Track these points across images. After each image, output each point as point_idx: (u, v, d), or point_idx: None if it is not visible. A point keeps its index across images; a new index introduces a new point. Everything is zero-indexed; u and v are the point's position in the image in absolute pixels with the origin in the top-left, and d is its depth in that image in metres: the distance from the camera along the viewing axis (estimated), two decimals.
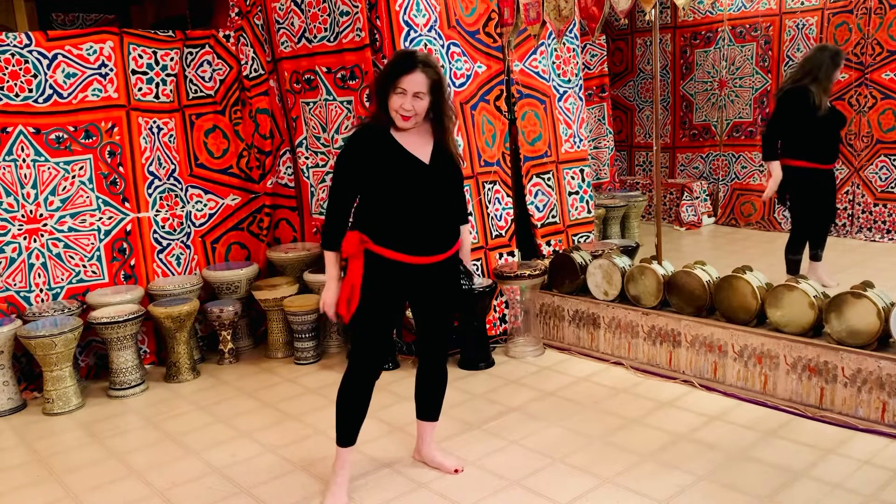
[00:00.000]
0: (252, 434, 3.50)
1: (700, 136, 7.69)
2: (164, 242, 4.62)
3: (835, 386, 3.28)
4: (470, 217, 4.41)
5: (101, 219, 4.38)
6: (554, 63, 5.02)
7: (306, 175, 4.78)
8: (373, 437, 3.35)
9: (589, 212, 5.20)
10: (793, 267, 4.58)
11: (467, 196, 4.36)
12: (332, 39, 4.34)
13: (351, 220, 2.72)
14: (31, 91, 4.13)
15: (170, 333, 4.22)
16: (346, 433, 2.76)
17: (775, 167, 4.48)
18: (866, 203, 6.38)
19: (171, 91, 4.60)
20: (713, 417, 3.38)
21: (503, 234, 4.58)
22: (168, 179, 4.62)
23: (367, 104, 4.24)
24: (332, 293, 2.69)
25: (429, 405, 2.98)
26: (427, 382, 2.95)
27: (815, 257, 4.69)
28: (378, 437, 3.36)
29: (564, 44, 5.06)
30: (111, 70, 4.34)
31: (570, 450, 3.13)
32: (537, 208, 4.86)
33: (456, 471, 2.98)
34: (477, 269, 4.41)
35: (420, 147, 2.64)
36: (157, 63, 4.52)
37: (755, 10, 7.02)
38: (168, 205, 4.62)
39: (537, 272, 4.29)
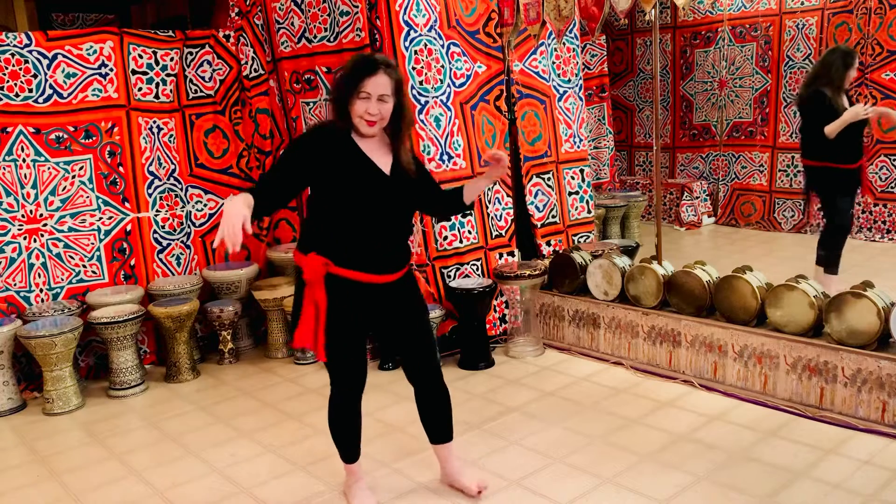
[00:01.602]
0: (252, 434, 3.50)
1: (700, 136, 7.69)
2: (164, 242, 4.62)
3: (835, 386, 3.28)
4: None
5: (101, 219, 4.38)
6: (554, 63, 5.02)
7: None
8: (372, 437, 3.35)
9: (589, 212, 5.20)
10: (832, 263, 4.51)
11: None
12: (332, 39, 4.34)
13: (307, 241, 2.53)
14: (31, 91, 4.13)
15: (170, 333, 4.22)
16: (347, 451, 2.74)
17: (834, 124, 4.24)
18: (866, 203, 6.38)
19: (171, 91, 4.60)
20: (713, 417, 3.38)
21: (503, 234, 4.58)
22: (168, 179, 4.62)
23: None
24: (235, 212, 2.13)
25: (436, 427, 2.78)
26: (427, 405, 2.76)
27: (831, 268, 4.57)
28: (377, 436, 3.36)
29: (564, 44, 5.06)
30: (111, 70, 4.34)
31: (570, 450, 3.13)
32: (537, 208, 4.86)
33: (479, 492, 2.77)
34: (477, 270, 4.41)
35: (381, 156, 2.50)
36: (157, 63, 4.52)
37: (755, 10, 7.02)
38: (168, 205, 4.62)
39: (537, 272, 4.29)
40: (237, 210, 2.13)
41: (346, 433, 2.70)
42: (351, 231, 2.45)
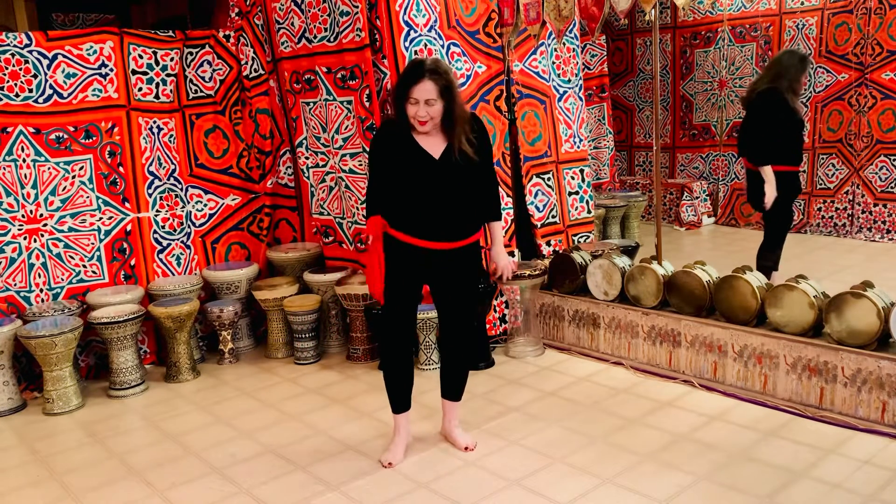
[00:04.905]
0: (252, 434, 3.50)
1: (700, 136, 7.70)
2: (165, 242, 4.62)
3: (835, 386, 3.28)
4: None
5: (101, 219, 4.38)
6: (554, 63, 5.02)
7: (306, 175, 4.78)
8: (374, 436, 3.36)
9: (589, 212, 5.20)
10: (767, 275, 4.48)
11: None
12: (332, 39, 4.34)
13: (371, 207, 3.01)
14: (31, 91, 4.13)
15: (170, 333, 4.22)
16: (393, 401, 3.11)
17: (769, 171, 4.28)
18: (866, 203, 6.38)
19: (171, 91, 4.60)
20: (713, 417, 3.38)
21: (503, 234, 4.57)
22: (168, 179, 4.62)
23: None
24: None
25: (446, 384, 3.17)
26: (445, 363, 3.15)
27: (775, 267, 4.51)
28: (379, 436, 3.37)
29: (564, 44, 5.06)
30: (111, 70, 4.34)
31: (570, 450, 3.14)
32: (537, 208, 4.86)
33: (466, 448, 3.16)
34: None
35: (435, 145, 2.88)
36: (157, 63, 4.52)
37: (755, 10, 7.02)
38: (168, 205, 4.62)
39: (537, 272, 4.29)
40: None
41: (392, 383, 3.08)
42: (405, 202, 2.89)
